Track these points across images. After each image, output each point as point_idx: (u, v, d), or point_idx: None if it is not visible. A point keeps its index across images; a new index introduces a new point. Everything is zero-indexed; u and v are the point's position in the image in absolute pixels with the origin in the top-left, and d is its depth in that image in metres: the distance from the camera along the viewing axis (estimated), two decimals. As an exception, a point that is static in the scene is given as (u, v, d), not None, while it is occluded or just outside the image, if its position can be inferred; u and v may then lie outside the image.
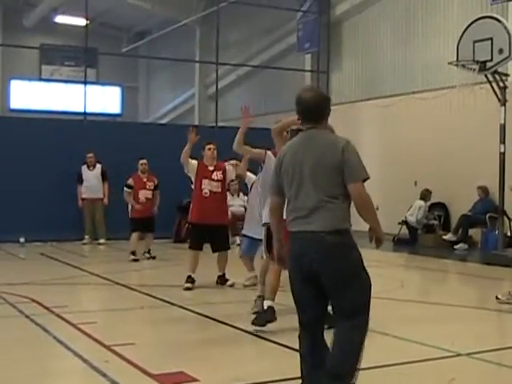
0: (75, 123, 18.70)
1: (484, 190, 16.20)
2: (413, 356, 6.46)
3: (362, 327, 4.60)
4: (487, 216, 15.68)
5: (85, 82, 19.92)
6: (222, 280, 10.62)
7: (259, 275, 8.69)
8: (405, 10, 19.47)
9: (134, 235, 14.10)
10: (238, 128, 8.48)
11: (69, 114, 24.07)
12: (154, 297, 9.62)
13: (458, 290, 11.78)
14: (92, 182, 16.89)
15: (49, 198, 16.68)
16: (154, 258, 14.04)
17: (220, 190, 10.58)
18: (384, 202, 16.43)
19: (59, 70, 31.56)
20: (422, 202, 17.31)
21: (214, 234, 10.43)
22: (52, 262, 13.73)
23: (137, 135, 17.99)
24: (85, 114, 19.03)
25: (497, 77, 14.32)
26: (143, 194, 14.23)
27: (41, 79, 31.24)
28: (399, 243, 16.81)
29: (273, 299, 7.64)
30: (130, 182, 14.30)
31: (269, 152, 8.08)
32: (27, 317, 8.07)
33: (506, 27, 13.91)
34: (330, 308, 4.84)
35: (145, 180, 14.33)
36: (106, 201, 16.92)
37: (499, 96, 14.31)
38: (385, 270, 12.47)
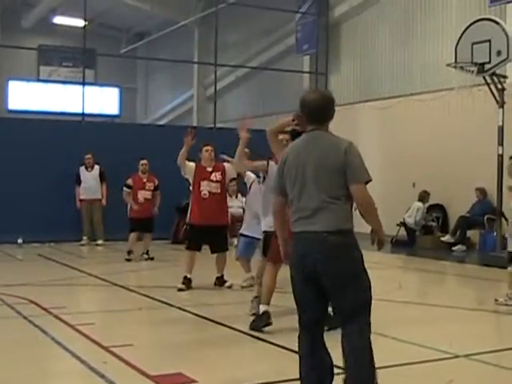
0: (73, 124, 18.69)
1: (482, 192, 16.20)
2: (411, 357, 6.47)
3: (367, 330, 4.62)
4: (485, 218, 15.69)
5: (83, 83, 19.91)
6: (220, 281, 10.61)
7: (256, 276, 8.70)
8: (403, 12, 19.49)
9: (132, 235, 14.17)
10: (236, 129, 8.48)
11: (67, 115, 24.03)
12: (153, 298, 9.62)
13: (456, 291, 11.78)
14: (90, 183, 16.87)
15: (47, 198, 16.66)
16: (152, 258, 14.04)
17: (219, 190, 10.57)
18: (382, 204, 16.26)
19: (57, 70, 31.52)
20: (420, 204, 17.31)
21: (213, 234, 10.41)
22: (50, 263, 13.72)
23: (135, 136, 17.97)
24: (83, 114, 19.02)
25: (495, 79, 14.34)
26: (142, 195, 14.25)
27: (39, 80, 31.20)
28: (397, 245, 16.82)
29: (268, 303, 7.63)
30: (130, 182, 14.34)
31: (271, 162, 8.01)
32: (25, 318, 8.07)
33: (504, 29, 13.93)
34: (329, 310, 4.85)
35: (145, 180, 14.35)
36: (104, 202, 16.92)
37: (497, 98, 14.33)
38: (383, 272, 12.47)
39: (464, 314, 8.97)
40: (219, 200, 10.59)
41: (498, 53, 13.88)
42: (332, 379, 4.80)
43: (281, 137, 7.67)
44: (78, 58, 28.40)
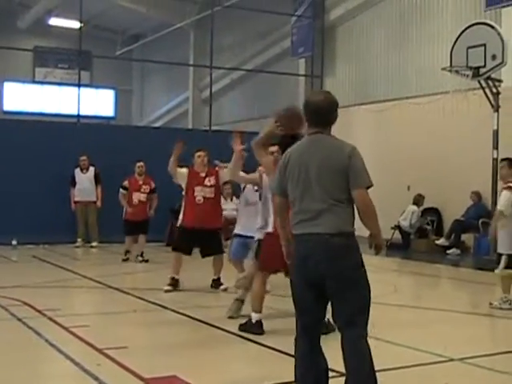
0: (68, 126, 18.68)
1: (477, 195, 16.22)
2: (406, 361, 6.47)
3: (366, 334, 4.62)
4: (480, 221, 15.71)
5: (78, 85, 19.92)
6: (216, 284, 10.60)
7: (244, 279, 8.68)
8: (399, 16, 19.53)
9: (127, 238, 14.41)
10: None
11: (62, 117, 24.04)
12: (147, 300, 9.61)
13: (450, 295, 11.80)
14: (85, 184, 16.84)
15: (41, 200, 16.63)
16: (146, 261, 14.05)
17: (213, 195, 10.55)
18: (377, 207, 16.34)
19: (53, 72, 31.53)
20: (414, 207, 17.34)
21: (206, 238, 10.37)
22: (44, 264, 13.70)
23: (130, 138, 17.95)
24: (78, 116, 19.01)
25: (490, 83, 14.37)
26: (137, 197, 14.32)
27: (34, 81, 31.21)
28: (392, 248, 16.82)
29: (260, 310, 7.62)
30: (126, 183, 14.42)
31: (264, 175, 8.02)
32: (19, 320, 8.05)
33: (499, 33, 13.98)
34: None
35: (140, 183, 14.40)
36: (99, 204, 16.90)
37: (492, 102, 14.37)
38: (378, 275, 12.44)
39: (458, 318, 8.98)
40: (213, 204, 10.57)
41: (493, 57, 13.92)
42: (327, 382, 4.80)
43: (271, 149, 7.54)
44: (73, 60, 28.46)
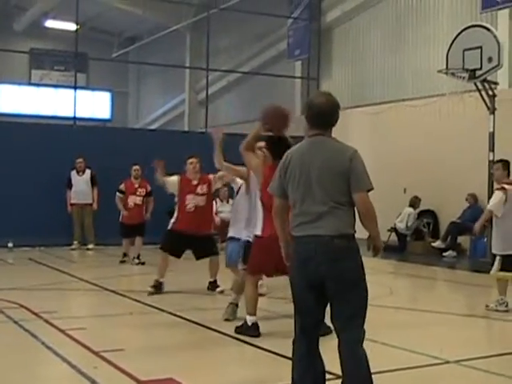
0: (65, 128, 18.65)
1: (473, 197, 16.24)
2: (402, 363, 6.48)
3: (363, 338, 4.63)
4: (476, 223, 15.68)
5: (75, 87, 19.91)
6: (213, 286, 10.58)
7: (234, 284, 8.70)
8: (395, 18, 19.55)
9: (124, 241, 14.50)
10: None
11: (58, 119, 24.04)
12: (143, 302, 9.61)
13: (446, 297, 11.81)
14: (81, 187, 16.83)
15: (38, 202, 16.60)
16: (143, 263, 14.04)
17: (205, 203, 10.47)
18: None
19: (49, 74, 31.52)
20: (411, 209, 17.35)
21: (198, 242, 10.31)
22: (40, 267, 13.68)
23: (127, 141, 17.94)
24: (74, 118, 19.00)
25: (486, 85, 14.38)
26: (132, 200, 14.37)
27: (30, 84, 31.18)
28: (388, 250, 16.78)
29: (255, 313, 7.62)
30: (122, 187, 14.45)
31: (251, 173, 8.06)
32: (15, 322, 8.04)
33: (495, 36, 13.99)
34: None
35: (136, 186, 14.43)
36: (95, 206, 16.88)
37: (488, 104, 14.38)
38: (374, 277, 12.40)
39: (455, 320, 8.99)
40: (204, 212, 10.47)
41: (489, 59, 13.93)
42: (324, 385, 4.81)
43: (259, 144, 7.67)
44: (69, 62, 28.42)
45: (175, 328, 8.18)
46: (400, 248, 17.13)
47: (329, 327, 4.94)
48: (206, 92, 21.80)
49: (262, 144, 7.69)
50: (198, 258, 10.62)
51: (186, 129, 27.57)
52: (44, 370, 6.48)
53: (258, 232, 7.58)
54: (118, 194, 14.51)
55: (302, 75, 22.65)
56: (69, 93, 22.19)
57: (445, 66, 14.84)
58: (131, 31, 32.50)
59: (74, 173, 16.88)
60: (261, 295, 8.64)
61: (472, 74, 14.22)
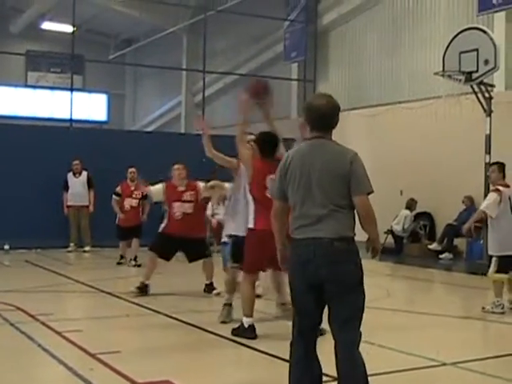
0: (61, 130, 18.65)
1: (469, 200, 16.25)
2: (399, 365, 6.49)
3: (359, 340, 4.63)
4: (472, 226, 15.69)
5: (71, 89, 19.90)
6: (209, 288, 10.56)
7: (225, 284, 8.71)
8: (392, 20, 19.57)
9: (121, 243, 14.54)
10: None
11: (55, 121, 23.99)
12: (140, 305, 9.60)
13: (443, 299, 11.81)
14: (78, 189, 16.82)
15: (34, 204, 16.59)
16: (139, 265, 14.01)
17: (192, 210, 10.34)
18: (370, 211, 16.42)
19: (45, 76, 31.47)
20: (407, 212, 17.36)
21: (190, 244, 10.27)
22: (37, 269, 13.67)
23: (123, 143, 17.94)
24: (71, 120, 18.99)
25: (482, 87, 14.40)
26: (128, 202, 14.41)
27: (27, 85, 31.12)
28: (385, 252, 16.76)
29: (251, 315, 7.61)
30: (118, 189, 14.47)
31: (241, 164, 8.12)
32: (12, 325, 8.03)
33: (491, 38, 14.00)
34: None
35: (132, 188, 14.45)
36: (91, 208, 16.87)
37: (485, 106, 14.39)
38: (371, 279, 12.36)
39: (451, 322, 9.00)
40: (193, 218, 10.33)
41: (486, 62, 13.94)
42: (321, 387, 4.81)
43: (249, 137, 7.94)
44: (66, 64, 28.40)
45: (171, 330, 8.18)
46: (397, 250, 17.13)
47: (322, 328, 4.93)
48: (202, 94, 21.81)
49: (251, 137, 7.87)
50: (190, 260, 10.58)
51: (183, 131, 27.55)
52: (40, 372, 6.47)
53: (251, 225, 7.60)
54: (114, 196, 14.55)
55: (298, 77, 22.67)
56: (65, 95, 22.17)
57: (441, 69, 14.85)
58: (128, 33, 32.48)
59: (70, 175, 16.87)
60: (258, 296, 8.66)
61: (468, 77, 14.23)
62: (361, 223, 4.65)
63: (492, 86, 14.73)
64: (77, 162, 16.77)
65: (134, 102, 35.11)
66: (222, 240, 10.00)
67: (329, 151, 4.72)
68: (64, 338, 7.36)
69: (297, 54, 22.22)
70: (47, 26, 30.58)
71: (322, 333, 5.37)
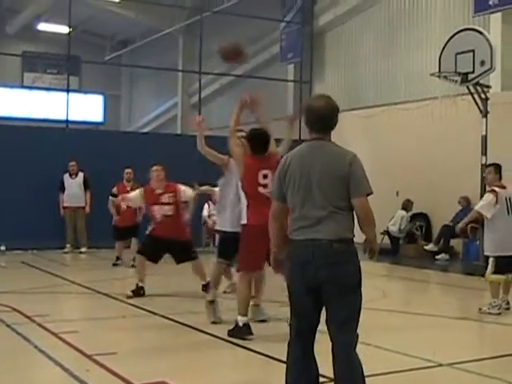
0: (57, 131, 18.62)
1: (466, 200, 16.26)
2: (395, 366, 6.48)
3: (356, 341, 4.63)
4: (468, 226, 15.70)
5: (67, 90, 19.88)
6: (207, 288, 10.53)
7: (211, 279, 8.72)
8: (388, 22, 19.59)
9: (117, 243, 14.56)
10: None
11: (51, 122, 23.97)
12: (136, 306, 9.60)
13: (439, 300, 11.82)
14: (74, 190, 16.79)
15: (30, 205, 16.56)
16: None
17: (173, 212, 10.28)
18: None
19: (41, 77, 31.46)
20: (403, 212, 17.36)
21: (176, 247, 10.25)
22: (33, 270, 13.65)
23: (119, 144, 17.91)
24: (67, 121, 18.96)
25: (478, 88, 14.42)
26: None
27: (23, 86, 31.12)
28: (381, 253, 16.71)
29: (246, 313, 7.62)
30: (115, 190, 14.44)
31: (232, 160, 8.18)
32: (8, 326, 8.02)
33: (487, 39, 14.03)
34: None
35: (128, 189, 14.37)
36: (87, 209, 16.85)
37: (481, 107, 14.41)
38: (367, 280, 12.33)
39: (448, 323, 9.00)
40: (174, 221, 10.28)
41: (482, 63, 13.97)
42: (318, 388, 4.80)
43: (239, 134, 8.00)
44: (62, 65, 28.42)
45: (168, 331, 8.17)
46: (393, 251, 17.13)
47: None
48: (198, 95, 21.80)
49: (242, 133, 7.97)
50: (177, 262, 10.58)
51: (179, 132, 27.54)
52: (37, 374, 6.47)
53: (244, 221, 7.62)
54: (111, 197, 14.49)
55: (294, 79, 22.66)
56: (61, 96, 22.19)
57: (437, 70, 14.88)
58: (124, 34, 32.48)
59: (66, 176, 16.85)
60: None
61: (464, 78, 14.25)
62: (359, 224, 4.65)
63: (488, 86, 14.76)
64: (73, 163, 16.75)
65: (130, 103, 35.10)
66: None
67: (328, 153, 4.72)
68: (60, 339, 7.35)
69: (293, 55, 22.22)
70: (43, 26, 30.52)
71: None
